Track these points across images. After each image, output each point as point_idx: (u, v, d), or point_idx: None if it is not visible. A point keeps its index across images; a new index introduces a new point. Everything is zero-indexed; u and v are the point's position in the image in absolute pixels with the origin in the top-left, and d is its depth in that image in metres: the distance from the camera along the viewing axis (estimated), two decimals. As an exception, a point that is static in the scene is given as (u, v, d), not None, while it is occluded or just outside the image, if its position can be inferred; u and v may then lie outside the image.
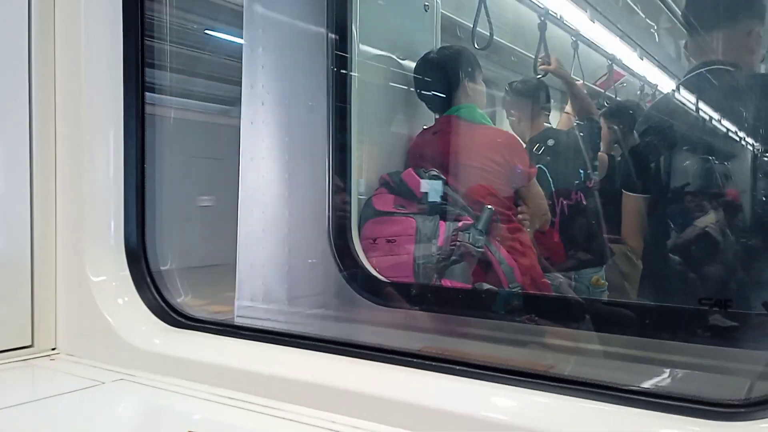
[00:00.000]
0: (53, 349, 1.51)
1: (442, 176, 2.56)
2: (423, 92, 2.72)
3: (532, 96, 3.32)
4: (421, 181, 2.51)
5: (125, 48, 1.50)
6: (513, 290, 2.23)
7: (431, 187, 2.51)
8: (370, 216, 2.44)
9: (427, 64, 2.70)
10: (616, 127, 3.30)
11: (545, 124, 3.34)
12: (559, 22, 3.77)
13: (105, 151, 1.50)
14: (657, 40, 4.58)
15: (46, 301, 1.50)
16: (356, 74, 2.39)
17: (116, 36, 1.50)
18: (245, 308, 2.00)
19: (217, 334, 1.44)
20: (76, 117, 1.50)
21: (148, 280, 1.49)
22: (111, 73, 1.50)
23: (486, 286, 2.23)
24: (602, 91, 4.62)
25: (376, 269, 2.27)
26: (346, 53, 2.34)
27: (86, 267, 1.46)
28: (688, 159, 2.30)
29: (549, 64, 3.36)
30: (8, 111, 1.46)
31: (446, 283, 2.30)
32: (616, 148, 3.31)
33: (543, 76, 3.37)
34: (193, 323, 1.46)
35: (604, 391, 1.08)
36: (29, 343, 1.48)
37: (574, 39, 3.99)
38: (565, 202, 3.01)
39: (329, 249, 2.24)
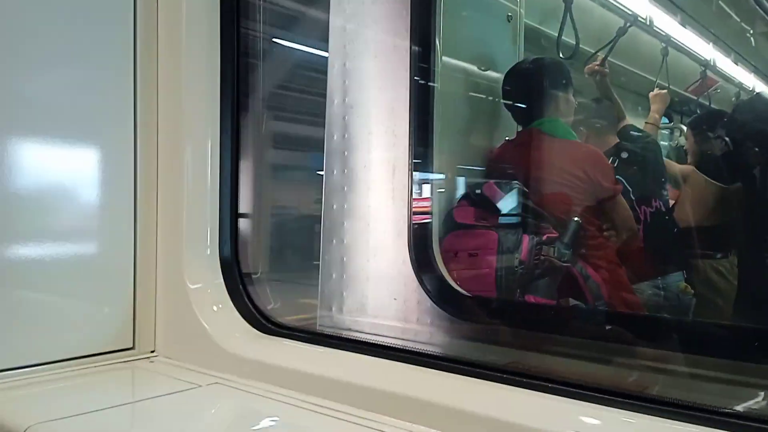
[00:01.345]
0: (152, 351, 1.59)
1: (524, 189, 2.52)
2: (511, 103, 2.69)
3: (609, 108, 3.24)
4: (502, 194, 2.49)
5: (222, 69, 1.57)
6: (601, 307, 2.17)
7: (512, 201, 2.48)
8: (451, 229, 2.43)
9: (516, 74, 2.66)
10: (705, 136, 3.15)
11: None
12: (648, 27, 3.64)
13: (202, 165, 1.57)
14: (754, 44, 4.34)
15: (147, 306, 1.58)
16: (438, 86, 2.39)
17: (214, 59, 1.58)
18: (326, 317, 2.04)
19: (306, 342, 1.47)
20: (176, 133, 1.58)
21: (241, 288, 1.54)
22: (209, 92, 1.58)
23: (572, 302, 2.18)
24: (694, 98, 4.41)
25: (457, 283, 2.26)
26: (429, 65, 2.34)
27: (184, 274, 1.53)
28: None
29: (602, 67, 3.21)
30: (115, 128, 1.57)
31: (530, 298, 2.26)
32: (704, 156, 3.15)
33: (589, 75, 3.24)
34: (283, 330, 1.50)
35: (696, 413, 1.03)
36: (131, 346, 1.57)
37: (664, 44, 3.84)
38: (647, 209, 2.93)
39: (410, 261, 2.25)
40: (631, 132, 3.26)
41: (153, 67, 1.61)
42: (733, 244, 2.48)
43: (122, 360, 1.54)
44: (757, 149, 2.25)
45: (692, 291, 2.85)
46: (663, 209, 3.01)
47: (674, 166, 3.41)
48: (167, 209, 1.58)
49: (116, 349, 1.54)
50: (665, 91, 3.67)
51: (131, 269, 1.56)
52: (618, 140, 3.15)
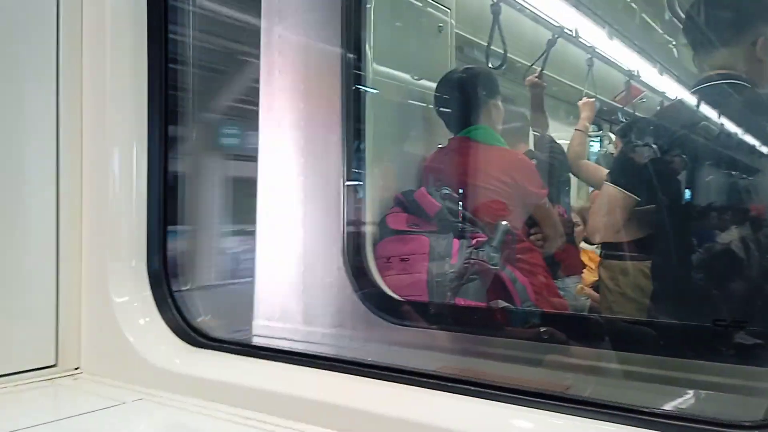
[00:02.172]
0: (76, 368, 1.54)
1: (455, 195, 2.58)
2: (442, 111, 2.75)
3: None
4: (433, 200, 2.53)
5: (150, 74, 1.53)
6: (527, 308, 2.24)
7: (443, 207, 2.52)
8: (384, 235, 2.46)
9: (448, 83, 2.72)
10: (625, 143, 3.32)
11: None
12: (575, 39, 3.80)
13: (128, 174, 1.53)
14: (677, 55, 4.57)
15: (70, 321, 1.52)
16: (370, 94, 2.41)
17: (141, 63, 1.54)
18: (262, 327, 2.02)
19: (236, 354, 1.45)
20: (102, 141, 1.54)
21: (170, 300, 1.51)
22: (136, 98, 1.53)
23: (502, 304, 2.24)
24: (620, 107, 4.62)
25: (390, 288, 2.28)
26: (361, 73, 2.36)
27: (109, 288, 1.49)
28: (706, 173, 2.30)
29: (540, 80, 3.36)
30: (37, 133, 1.50)
31: (460, 301, 2.30)
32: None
33: (529, 88, 3.39)
34: (213, 343, 1.48)
35: (621, 413, 1.08)
36: (53, 363, 1.51)
37: (590, 55, 4.02)
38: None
39: (344, 268, 2.25)
40: (547, 143, 3.42)
41: (77, 72, 1.56)
42: (629, 250, 2.64)
43: (44, 378, 1.48)
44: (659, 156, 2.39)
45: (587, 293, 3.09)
46: (564, 216, 3.20)
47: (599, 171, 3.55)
48: (92, 219, 1.53)
49: (37, 366, 1.48)
50: (593, 99, 3.83)
51: (54, 283, 1.50)
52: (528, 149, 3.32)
